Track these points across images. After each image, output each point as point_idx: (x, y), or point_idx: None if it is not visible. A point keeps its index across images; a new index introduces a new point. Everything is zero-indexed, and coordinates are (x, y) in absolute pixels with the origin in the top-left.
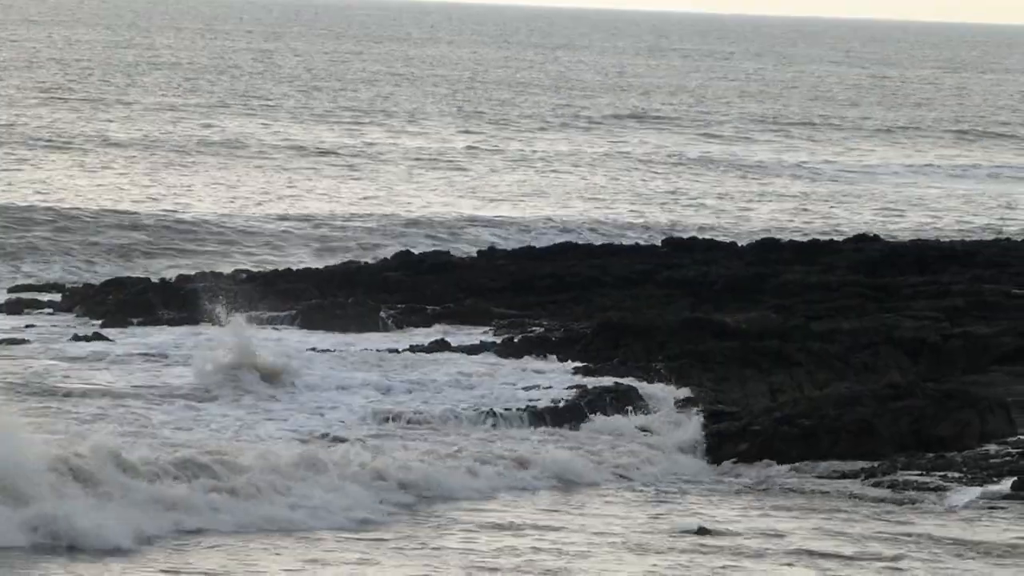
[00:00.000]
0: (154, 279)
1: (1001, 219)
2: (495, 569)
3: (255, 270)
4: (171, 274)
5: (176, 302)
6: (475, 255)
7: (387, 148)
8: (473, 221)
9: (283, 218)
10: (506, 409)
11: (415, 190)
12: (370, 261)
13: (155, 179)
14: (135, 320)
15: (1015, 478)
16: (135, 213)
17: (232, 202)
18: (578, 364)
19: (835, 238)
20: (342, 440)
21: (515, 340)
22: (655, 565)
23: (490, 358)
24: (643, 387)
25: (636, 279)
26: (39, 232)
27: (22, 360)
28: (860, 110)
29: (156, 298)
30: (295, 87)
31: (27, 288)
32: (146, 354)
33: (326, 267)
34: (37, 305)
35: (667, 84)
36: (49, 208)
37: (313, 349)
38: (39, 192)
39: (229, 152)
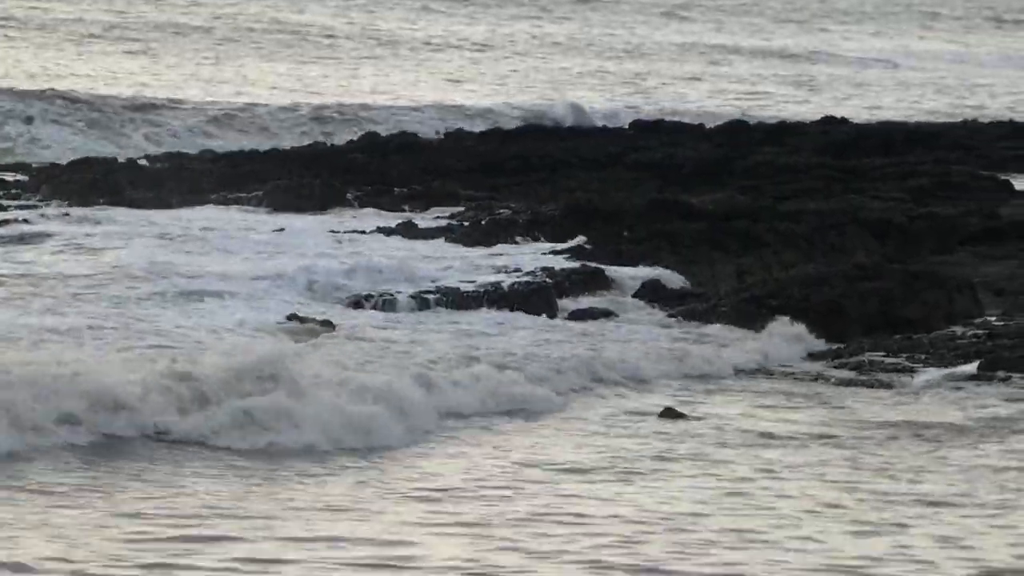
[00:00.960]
0: (121, 159)
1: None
2: None
3: (220, 151)
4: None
5: (144, 182)
6: (442, 136)
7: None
8: (437, 106)
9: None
10: (470, 291)
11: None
12: (336, 143)
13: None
14: (101, 200)
15: (981, 360)
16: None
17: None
18: (545, 246)
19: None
20: None
21: (482, 222)
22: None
23: (457, 240)
24: (611, 270)
25: (604, 161)
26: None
27: None
28: None
29: (123, 179)
30: None
31: None
32: None
33: (292, 148)
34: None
35: None
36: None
37: (281, 230)
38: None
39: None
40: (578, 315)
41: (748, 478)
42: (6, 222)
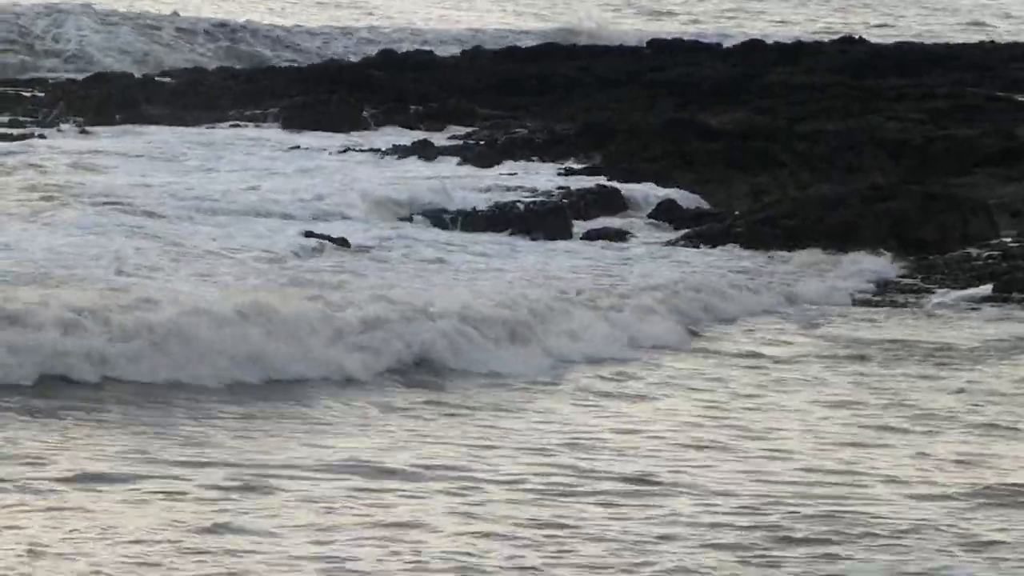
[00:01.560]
0: (137, 75)
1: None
2: None
3: (239, 67)
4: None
5: (159, 98)
6: (459, 55)
7: None
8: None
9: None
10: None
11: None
12: (353, 59)
13: None
14: (117, 117)
15: (995, 281)
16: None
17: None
18: (562, 165)
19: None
20: None
21: (498, 141)
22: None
23: (473, 159)
24: (626, 188)
25: (620, 80)
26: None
27: None
28: None
29: (140, 95)
30: None
31: (11, 83)
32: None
33: (309, 65)
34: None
35: None
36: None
37: (296, 147)
38: None
39: None
40: (592, 235)
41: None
42: (23, 137)
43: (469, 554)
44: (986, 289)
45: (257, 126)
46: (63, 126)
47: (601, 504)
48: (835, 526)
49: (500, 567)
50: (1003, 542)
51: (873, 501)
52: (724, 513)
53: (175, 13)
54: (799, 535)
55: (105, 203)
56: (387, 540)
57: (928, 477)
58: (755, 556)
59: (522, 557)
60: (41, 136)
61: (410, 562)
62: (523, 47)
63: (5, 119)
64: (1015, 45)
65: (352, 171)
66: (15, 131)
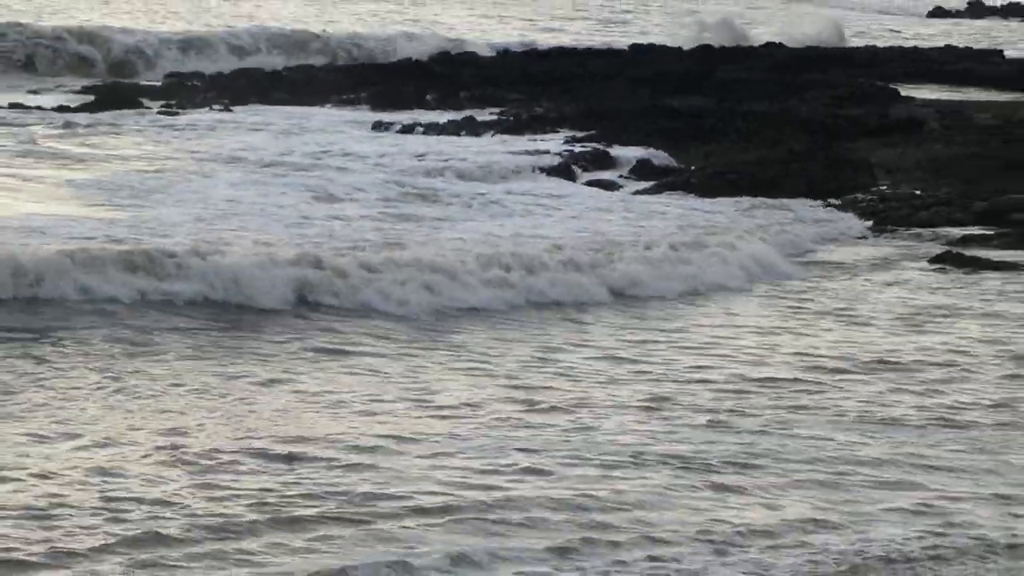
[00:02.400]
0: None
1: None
2: None
3: (339, 64)
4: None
5: (285, 88)
6: (494, 55)
7: None
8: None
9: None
10: (517, 166)
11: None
12: (421, 59)
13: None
14: (252, 99)
15: (875, 217)
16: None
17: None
18: (568, 134)
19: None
20: None
21: (523, 117)
22: None
23: (505, 131)
24: (614, 150)
25: (610, 75)
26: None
27: None
28: None
29: (268, 84)
30: None
31: (177, 74)
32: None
33: (389, 62)
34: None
35: None
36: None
37: (379, 123)
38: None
39: None
40: (592, 183)
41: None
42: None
43: None
44: (869, 223)
45: (353, 108)
46: (214, 106)
47: None
48: None
49: None
50: None
51: None
52: None
53: (324, 31)
54: None
55: (252, 161)
56: None
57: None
58: None
59: None
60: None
61: None
62: (540, 50)
63: (174, 102)
64: (891, 48)
65: (433, 143)
66: (181, 110)
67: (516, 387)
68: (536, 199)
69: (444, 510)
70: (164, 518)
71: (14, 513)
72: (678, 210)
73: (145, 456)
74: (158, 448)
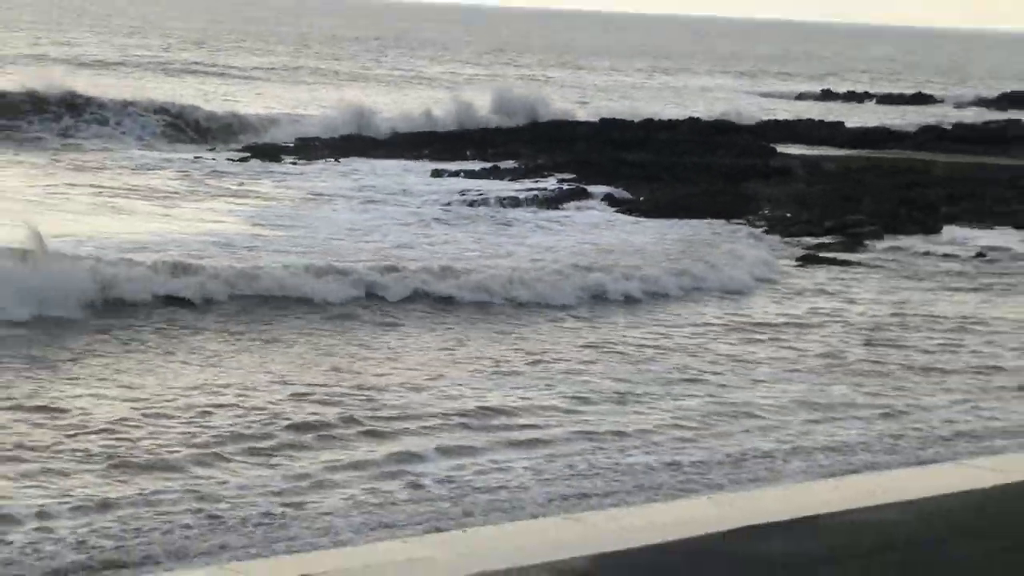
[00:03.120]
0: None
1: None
2: None
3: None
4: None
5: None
6: (515, 125)
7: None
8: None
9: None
10: (515, 197)
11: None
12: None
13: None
14: (352, 156)
15: (761, 230)
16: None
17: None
18: (559, 176)
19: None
20: None
21: (530, 165)
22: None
23: (518, 175)
24: (590, 188)
25: (589, 137)
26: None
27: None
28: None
29: (366, 145)
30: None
31: (304, 138)
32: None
33: (445, 131)
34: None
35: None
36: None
37: (436, 170)
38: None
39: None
40: (574, 207)
41: None
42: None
43: None
44: (757, 233)
45: (418, 160)
46: (327, 159)
47: None
48: None
49: None
50: None
51: None
52: None
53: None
54: None
55: (353, 198)
56: None
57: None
58: None
59: None
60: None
61: None
62: (539, 122)
63: (300, 157)
64: (770, 121)
65: (471, 184)
66: (306, 162)
67: None
68: (552, 220)
69: None
70: None
71: None
72: (641, 227)
73: None
74: None
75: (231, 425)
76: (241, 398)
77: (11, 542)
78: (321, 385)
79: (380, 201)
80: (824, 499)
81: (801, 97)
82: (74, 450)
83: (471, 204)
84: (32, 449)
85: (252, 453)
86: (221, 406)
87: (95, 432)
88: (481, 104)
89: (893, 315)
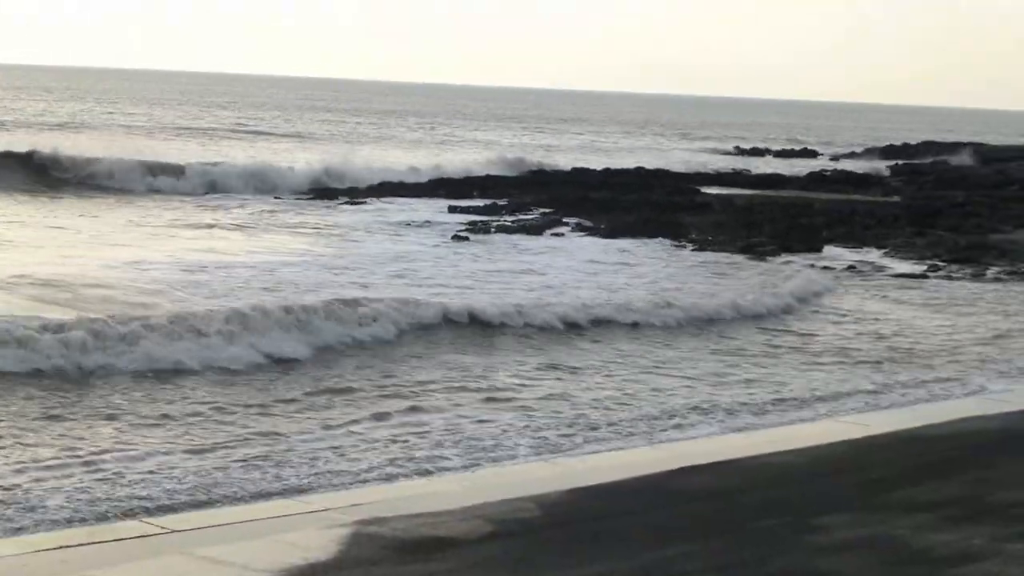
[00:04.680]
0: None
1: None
2: None
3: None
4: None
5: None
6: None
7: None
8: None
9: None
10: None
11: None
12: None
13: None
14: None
15: (696, 246)
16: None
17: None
18: (541, 210)
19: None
20: None
21: (519, 203)
22: None
23: (503, 210)
24: (564, 218)
25: (569, 181)
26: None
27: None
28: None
29: (394, 188)
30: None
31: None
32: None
33: (459, 177)
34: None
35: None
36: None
37: (452, 206)
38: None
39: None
40: (553, 234)
41: None
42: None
43: None
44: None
45: (435, 199)
46: (369, 199)
47: None
48: None
49: None
50: None
51: None
52: None
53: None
54: None
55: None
56: None
57: None
58: None
59: None
60: (351, 202)
61: None
62: (532, 170)
63: (348, 198)
64: (698, 172)
65: (474, 216)
66: (353, 200)
67: None
68: (546, 246)
69: None
70: None
71: None
72: (609, 245)
73: None
74: None
75: None
76: None
77: None
78: None
79: (413, 231)
80: (737, 446)
81: (716, 151)
82: None
83: (485, 232)
84: None
85: None
86: None
87: None
88: (485, 159)
89: (783, 312)
